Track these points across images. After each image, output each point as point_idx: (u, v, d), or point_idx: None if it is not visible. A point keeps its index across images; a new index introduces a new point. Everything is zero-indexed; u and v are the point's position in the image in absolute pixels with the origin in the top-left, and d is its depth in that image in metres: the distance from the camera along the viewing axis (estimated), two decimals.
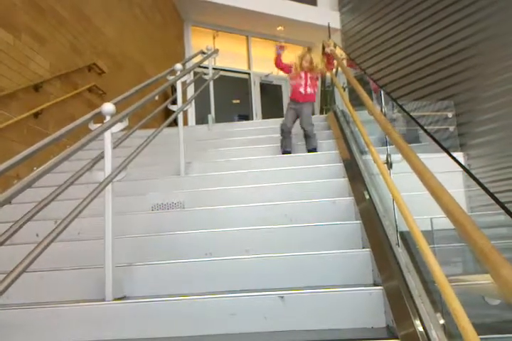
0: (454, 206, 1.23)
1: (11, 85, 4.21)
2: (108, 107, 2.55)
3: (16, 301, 2.42)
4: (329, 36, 7.96)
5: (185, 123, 7.56)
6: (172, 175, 4.10)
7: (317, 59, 4.57)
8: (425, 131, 2.54)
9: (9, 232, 1.81)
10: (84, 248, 2.88)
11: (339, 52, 5.60)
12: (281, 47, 4.71)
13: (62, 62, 5.22)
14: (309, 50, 4.68)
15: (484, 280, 1.93)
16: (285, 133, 4.49)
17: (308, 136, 4.48)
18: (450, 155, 2.05)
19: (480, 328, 1.19)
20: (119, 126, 2.59)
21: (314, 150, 4.44)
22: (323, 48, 7.44)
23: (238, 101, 11.13)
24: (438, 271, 1.36)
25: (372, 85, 3.86)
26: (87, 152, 3.49)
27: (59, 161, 1.97)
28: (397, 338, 1.83)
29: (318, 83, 4.76)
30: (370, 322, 2.08)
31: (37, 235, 3.01)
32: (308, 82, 4.57)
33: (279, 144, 4.59)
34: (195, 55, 5.94)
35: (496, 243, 1.11)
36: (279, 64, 4.70)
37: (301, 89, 4.56)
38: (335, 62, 4.95)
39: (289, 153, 4.46)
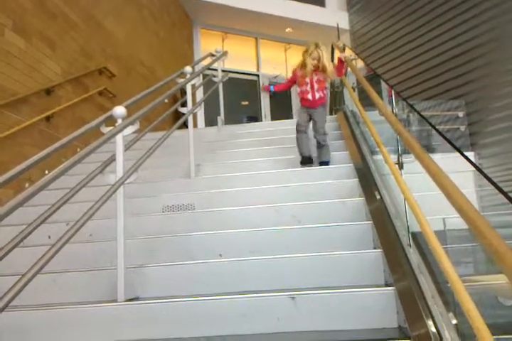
0: (468, 206, 1.23)
1: (23, 89, 4.25)
2: (120, 110, 2.57)
3: (28, 302, 2.44)
4: (338, 37, 7.96)
5: (195, 125, 7.59)
6: (182, 177, 4.12)
7: (326, 55, 4.07)
8: (438, 132, 2.53)
9: (23, 234, 1.83)
10: (96, 249, 2.90)
11: (349, 52, 5.58)
12: (266, 87, 4.50)
13: (73, 66, 5.26)
14: (317, 46, 4.04)
15: (498, 280, 1.92)
16: (300, 132, 4.12)
17: (320, 146, 4.09)
18: (463, 155, 2.05)
19: (493, 328, 1.19)
20: (130, 129, 2.61)
21: (326, 164, 4.04)
22: (332, 51, 7.43)
23: (247, 102, 11.15)
24: (451, 271, 1.35)
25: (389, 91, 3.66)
26: (98, 155, 3.52)
27: (72, 164, 1.99)
28: (409, 338, 1.83)
29: (327, 84, 4.27)
30: (382, 322, 2.08)
31: (49, 237, 3.03)
32: (316, 86, 4.07)
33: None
34: (205, 58, 5.96)
35: (509, 243, 1.11)
36: (283, 88, 4.43)
37: (309, 96, 4.08)
38: (344, 70, 4.48)
39: (308, 159, 4.06)
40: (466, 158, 2.05)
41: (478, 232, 1.13)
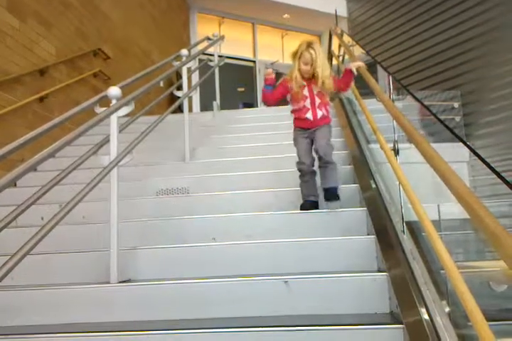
0: (465, 190, 1.22)
1: (16, 69, 4.20)
2: (114, 91, 2.54)
3: (20, 283, 2.43)
4: (336, 24, 7.89)
5: (190, 110, 7.54)
6: (177, 160, 4.10)
7: (322, 59, 2.87)
8: (439, 120, 2.53)
9: (14, 214, 1.81)
10: (89, 231, 2.89)
11: (347, 39, 5.54)
12: (270, 80, 2.99)
13: (68, 46, 5.20)
14: (310, 45, 2.86)
15: (491, 266, 1.93)
16: (305, 174, 2.94)
17: (324, 166, 2.90)
18: (466, 144, 2.04)
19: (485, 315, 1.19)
20: (125, 110, 2.58)
21: (334, 192, 2.86)
22: (330, 38, 7.36)
23: (243, 89, 11.09)
24: (445, 254, 1.35)
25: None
26: (92, 138, 3.49)
27: (65, 143, 1.96)
28: (401, 323, 1.84)
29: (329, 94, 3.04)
30: (374, 307, 2.08)
31: (42, 218, 3.01)
32: (317, 100, 2.92)
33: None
34: (201, 41, 5.91)
35: None
36: (269, 99, 3.01)
37: (309, 115, 2.92)
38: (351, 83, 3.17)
39: (314, 204, 2.93)
40: (468, 146, 2.05)
41: (474, 216, 1.12)
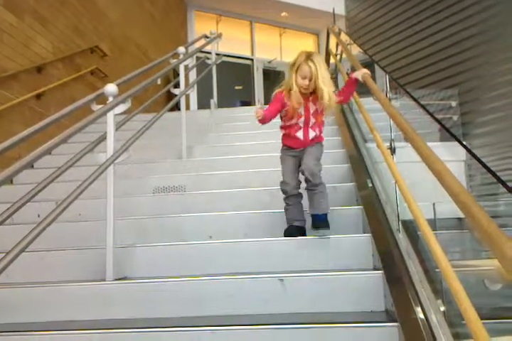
0: (459, 188, 1.22)
1: (13, 66, 4.19)
2: (111, 88, 2.54)
3: (16, 280, 2.43)
4: (334, 22, 7.89)
5: (188, 107, 7.53)
6: (174, 158, 4.10)
7: (324, 71, 2.49)
8: (436, 119, 2.53)
9: (10, 211, 1.81)
10: (85, 229, 2.89)
11: (344, 38, 5.54)
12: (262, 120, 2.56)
13: (65, 43, 5.18)
14: (309, 56, 2.49)
15: (486, 265, 1.93)
16: (290, 196, 2.61)
17: (312, 189, 2.57)
18: (461, 144, 2.05)
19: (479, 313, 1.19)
20: (121, 108, 2.58)
21: (323, 219, 2.54)
22: (328, 36, 7.37)
23: (241, 87, 11.09)
24: (439, 252, 1.36)
25: None
26: (89, 135, 3.48)
27: (61, 140, 1.96)
28: (396, 322, 1.84)
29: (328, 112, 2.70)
30: (370, 306, 2.09)
31: (38, 216, 3.00)
32: (312, 120, 2.61)
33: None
34: (199, 39, 5.90)
35: None
36: (267, 120, 2.58)
37: (299, 134, 2.61)
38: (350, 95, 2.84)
39: (300, 230, 2.60)
40: (464, 146, 2.05)
41: (468, 213, 1.12)
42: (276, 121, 2.70)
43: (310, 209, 2.58)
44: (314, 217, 2.56)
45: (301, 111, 2.58)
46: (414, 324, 1.76)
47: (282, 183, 2.64)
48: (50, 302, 2.25)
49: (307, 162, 2.56)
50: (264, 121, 2.55)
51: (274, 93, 2.65)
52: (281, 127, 2.70)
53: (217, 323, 1.98)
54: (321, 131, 2.68)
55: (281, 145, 2.73)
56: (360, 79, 2.65)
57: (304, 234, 2.59)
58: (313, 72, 2.46)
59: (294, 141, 2.64)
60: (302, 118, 2.60)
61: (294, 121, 2.61)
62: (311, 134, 2.62)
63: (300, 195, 2.64)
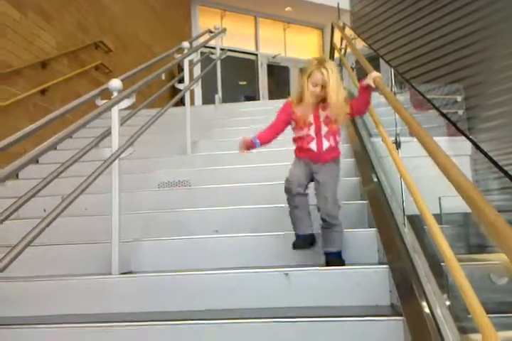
0: (465, 182, 1.22)
1: (18, 62, 4.19)
2: (116, 83, 2.54)
3: (21, 274, 2.44)
4: (338, 17, 7.85)
5: (192, 102, 7.52)
6: (178, 153, 4.10)
7: (336, 79, 2.33)
8: (442, 114, 2.52)
9: (15, 206, 1.82)
10: (91, 223, 2.90)
11: (349, 32, 5.52)
12: (250, 143, 2.47)
13: (69, 39, 5.19)
14: (321, 62, 2.36)
15: (492, 259, 1.93)
16: (294, 197, 2.41)
17: (327, 227, 2.39)
18: (468, 139, 2.04)
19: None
20: (126, 103, 2.58)
21: (338, 257, 2.37)
22: (332, 31, 7.33)
23: (245, 82, 11.07)
24: (445, 246, 1.35)
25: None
26: (94, 130, 3.49)
27: (66, 135, 1.96)
28: (401, 316, 1.84)
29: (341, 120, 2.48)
30: (375, 300, 2.09)
31: (44, 210, 3.01)
32: (324, 129, 2.42)
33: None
34: (203, 34, 5.89)
35: None
36: (269, 138, 2.53)
37: (313, 145, 2.42)
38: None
39: (309, 239, 2.44)
40: (472, 140, 2.04)
41: (474, 207, 1.12)
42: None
43: (323, 245, 2.42)
44: (328, 255, 2.39)
45: (311, 119, 2.41)
46: (419, 318, 1.76)
47: (286, 181, 2.43)
48: (56, 295, 2.26)
49: (323, 199, 2.37)
50: (268, 139, 2.48)
51: (285, 102, 2.52)
52: (293, 139, 2.51)
53: (222, 317, 1.99)
54: (336, 142, 2.45)
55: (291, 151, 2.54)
56: (372, 84, 2.38)
57: (314, 242, 2.45)
58: (325, 79, 2.32)
59: (308, 154, 2.44)
60: (313, 127, 2.41)
61: (304, 132, 2.43)
62: (325, 145, 2.41)
63: (306, 195, 2.44)
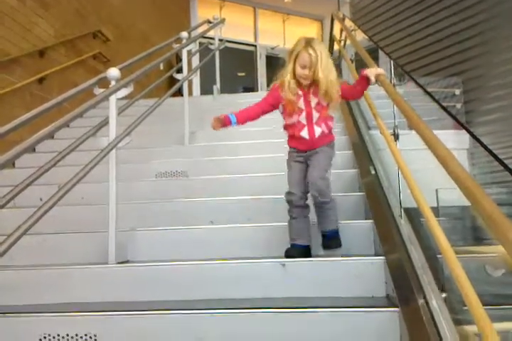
0: (463, 173, 1.22)
1: (15, 50, 4.17)
2: (114, 72, 2.52)
3: (20, 263, 2.44)
4: (338, 8, 7.81)
5: (190, 93, 7.50)
6: (176, 144, 4.09)
7: (325, 58, 2.21)
8: (442, 107, 2.51)
9: (11, 194, 1.81)
10: (87, 213, 2.90)
11: (349, 24, 5.49)
12: (225, 120, 2.35)
13: (67, 28, 5.15)
14: (309, 42, 2.23)
15: (488, 251, 1.94)
16: (294, 209, 2.35)
17: (320, 205, 2.35)
18: (469, 132, 2.04)
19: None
20: (124, 92, 2.57)
21: (335, 236, 2.38)
22: (332, 23, 7.28)
23: (243, 73, 11.03)
24: (441, 236, 1.35)
25: None
26: (91, 120, 3.48)
27: (64, 123, 1.95)
28: (396, 307, 1.85)
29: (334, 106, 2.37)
30: (371, 291, 2.10)
31: (41, 199, 3.01)
32: (315, 114, 2.31)
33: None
34: (202, 24, 5.86)
35: None
36: (249, 117, 2.41)
37: (304, 133, 2.33)
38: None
39: (303, 250, 2.34)
40: (472, 134, 2.04)
41: (472, 198, 1.12)
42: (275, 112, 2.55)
43: (318, 225, 2.38)
44: (324, 235, 2.36)
45: (301, 105, 2.29)
46: (415, 309, 1.77)
47: (287, 193, 2.35)
48: (53, 284, 2.27)
49: (313, 176, 2.29)
50: (248, 117, 2.36)
51: (272, 85, 2.39)
52: (284, 127, 2.43)
53: (217, 306, 1.99)
54: (329, 128, 2.36)
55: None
56: (372, 78, 2.27)
57: (308, 255, 2.33)
58: (313, 61, 2.19)
59: (299, 142, 2.35)
60: (303, 114, 2.30)
61: (295, 119, 2.32)
62: (317, 131, 2.32)
63: (307, 208, 2.37)
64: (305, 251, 2.33)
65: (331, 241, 2.33)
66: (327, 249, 2.35)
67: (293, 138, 2.39)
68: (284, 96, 2.31)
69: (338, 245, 2.32)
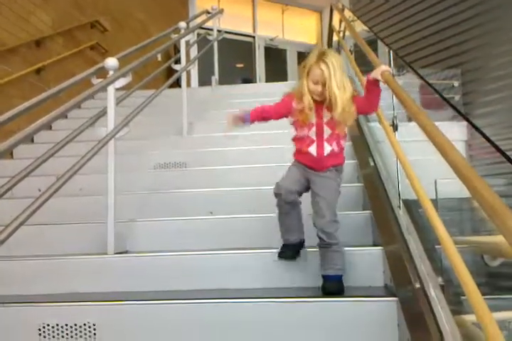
0: (462, 162, 1.22)
1: (12, 40, 4.14)
2: (112, 61, 2.51)
3: (18, 253, 2.45)
4: None
5: (188, 84, 7.47)
6: (174, 135, 4.08)
7: (339, 74, 2.03)
8: (444, 98, 2.50)
9: (9, 185, 1.81)
10: (86, 204, 2.90)
11: (348, 14, 5.47)
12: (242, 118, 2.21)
13: (65, 18, 5.11)
14: (322, 55, 2.06)
15: (486, 241, 1.94)
16: (284, 204, 2.16)
17: (324, 246, 2.11)
18: (469, 122, 2.03)
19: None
20: (122, 81, 2.55)
21: (337, 282, 2.07)
22: (331, 14, 7.24)
23: (242, 65, 10.98)
24: (440, 226, 1.36)
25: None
26: (89, 111, 3.47)
27: (62, 113, 1.95)
28: (394, 296, 1.86)
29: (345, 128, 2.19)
30: (369, 281, 2.12)
31: (39, 190, 3.00)
32: (326, 130, 2.13)
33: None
34: (200, 14, 5.83)
35: None
36: (266, 117, 2.26)
37: (312, 149, 2.14)
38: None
39: (297, 248, 2.22)
40: (474, 125, 2.03)
41: (471, 187, 1.12)
42: (279, 98, 2.48)
43: (321, 267, 2.12)
44: (326, 279, 2.08)
45: (312, 119, 2.11)
46: (412, 298, 1.78)
47: (276, 186, 2.15)
48: (52, 274, 2.27)
49: (320, 215, 2.08)
50: (252, 118, 2.19)
51: (285, 94, 2.23)
52: (293, 139, 2.23)
53: (215, 296, 2.00)
54: (340, 147, 2.15)
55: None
56: (380, 79, 2.05)
57: (302, 247, 2.22)
58: (325, 77, 2.01)
59: (307, 159, 2.15)
60: (313, 128, 2.12)
61: (305, 133, 2.14)
62: (327, 149, 2.11)
63: (297, 204, 2.17)
64: (297, 249, 2.21)
65: (333, 287, 2.05)
66: (327, 295, 2.02)
67: (300, 153, 2.20)
68: (297, 107, 2.13)
69: (341, 291, 2.04)
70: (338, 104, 2.02)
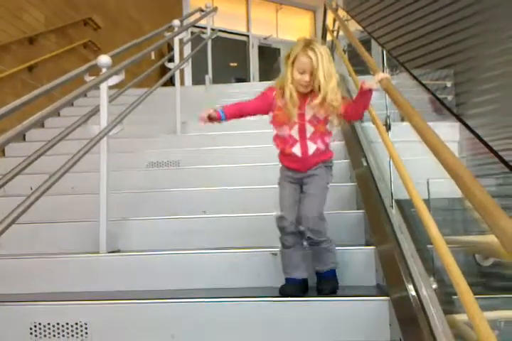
0: (454, 160, 1.22)
1: (4, 37, 4.11)
2: (104, 59, 2.50)
3: (10, 252, 2.43)
4: None
5: (182, 83, 7.46)
6: (168, 133, 4.07)
7: (327, 63, 1.90)
8: (437, 98, 2.51)
9: (1, 182, 1.80)
10: (78, 202, 2.88)
11: (342, 13, 5.47)
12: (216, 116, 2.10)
13: (58, 15, 5.08)
14: (309, 44, 1.92)
15: (478, 241, 1.95)
16: (287, 236, 2.02)
17: (314, 244, 2.04)
18: (462, 122, 2.04)
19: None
20: (115, 79, 2.54)
21: (331, 278, 2.05)
22: (325, 13, 7.25)
23: (236, 64, 10.97)
24: (432, 225, 1.36)
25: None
26: (82, 109, 3.43)
27: (54, 110, 1.93)
28: (386, 296, 1.86)
29: (333, 120, 2.03)
30: (361, 280, 2.12)
31: (31, 188, 2.98)
32: (309, 128, 2.01)
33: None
34: (194, 12, 5.82)
35: None
36: (240, 113, 2.16)
37: (296, 149, 2.02)
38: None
39: (301, 285, 2.03)
40: (467, 125, 2.04)
41: (463, 185, 1.12)
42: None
43: (313, 263, 2.07)
44: (319, 275, 2.05)
45: (295, 116, 1.97)
46: (404, 298, 1.78)
47: (279, 218, 2.01)
48: (44, 273, 2.26)
49: (306, 211, 1.98)
50: (237, 116, 2.10)
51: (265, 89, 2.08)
52: (274, 139, 2.09)
53: (208, 295, 2.00)
54: (326, 144, 2.04)
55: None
56: (374, 87, 1.96)
57: (305, 291, 2.03)
58: (313, 65, 1.88)
59: (291, 160, 2.04)
60: (296, 127, 1.98)
61: (286, 131, 2.01)
62: (311, 148, 1.99)
63: (302, 234, 2.02)
64: (302, 288, 2.02)
65: (327, 283, 2.01)
66: (321, 294, 1.99)
67: (283, 155, 2.07)
68: (279, 104, 1.99)
69: (334, 289, 2.00)
70: (323, 90, 1.90)
